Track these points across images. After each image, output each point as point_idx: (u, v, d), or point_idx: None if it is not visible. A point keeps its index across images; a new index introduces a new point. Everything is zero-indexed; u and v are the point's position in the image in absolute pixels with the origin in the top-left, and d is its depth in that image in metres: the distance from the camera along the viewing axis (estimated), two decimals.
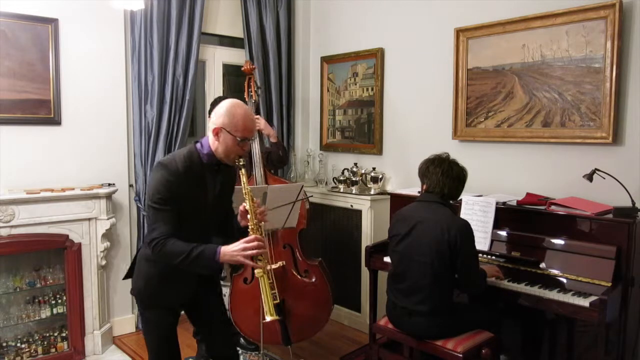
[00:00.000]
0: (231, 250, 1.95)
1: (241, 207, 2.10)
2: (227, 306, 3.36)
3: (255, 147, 3.29)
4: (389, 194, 3.54)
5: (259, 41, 4.22)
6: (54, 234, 3.26)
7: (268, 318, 1.92)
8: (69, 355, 3.37)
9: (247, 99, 3.45)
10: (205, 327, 2.33)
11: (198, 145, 2.11)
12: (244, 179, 2.07)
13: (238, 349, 3.51)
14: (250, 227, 2.03)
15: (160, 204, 1.98)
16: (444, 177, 2.50)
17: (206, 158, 2.09)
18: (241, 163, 2.07)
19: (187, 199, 2.02)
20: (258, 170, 3.26)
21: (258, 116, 3.41)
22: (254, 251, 1.94)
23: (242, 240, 1.96)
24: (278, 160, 3.50)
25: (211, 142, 2.08)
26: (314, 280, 3.23)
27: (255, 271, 1.97)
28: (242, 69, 3.56)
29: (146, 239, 2.04)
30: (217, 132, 2.04)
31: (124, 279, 2.31)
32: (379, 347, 2.84)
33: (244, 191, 2.05)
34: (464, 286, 2.56)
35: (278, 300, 2.00)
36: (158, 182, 2.00)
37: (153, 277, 2.13)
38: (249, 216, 2.05)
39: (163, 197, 1.98)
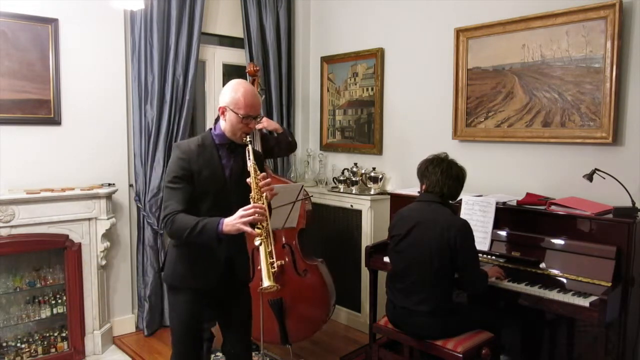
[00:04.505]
0: (232, 219, 2.00)
1: (247, 180, 2.13)
2: None
3: (257, 148, 3.30)
4: (389, 194, 3.54)
5: (259, 41, 4.22)
6: (54, 234, 3.26)
7: (265, 283, 1.94)
8: (69, 355, 3.37)
9: None
10: (224, 324, 2.37)
11: (213, 128, 2.24)
12: (250, 153, 2.13)
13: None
14: (251, 196, 2.06)
15: (173, 182, 2.10)
16: (443, 177, 2.50)
17: (218, 138, 2.20)
18: (248, 139, 2.16)
19: (201, 177, 2.12)
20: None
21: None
22: (251, 217, 1.97)
23: (241, 209, 2.01)
24: (288, 147, 3.52)
25: (221, 122, 2.20)
26: (312, 280, 3.23)
27: (255, 239, 2.00)
28: (247, 70, 3.56)
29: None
30: (223, 112, 2.16)
31: (158, 272, 2.36)
32: (379, 347, 2.84)
33: (248, 165, 2.12)
34: (464, 286, 2.56)
35: (276, 269, 2.01)
36: (172, 162, 2.14)
37: (178, 259, 2.20)
38: (252, 187, 2.09)
39: (176, 175, 2.10)
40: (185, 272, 2.19)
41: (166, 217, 2.08)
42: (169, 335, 2.36)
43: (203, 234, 2.01)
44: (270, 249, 2.01)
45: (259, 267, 3.01)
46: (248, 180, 2.10)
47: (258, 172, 2.12)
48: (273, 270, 1.98)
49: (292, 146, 3.57)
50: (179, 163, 2.11)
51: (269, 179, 2.13)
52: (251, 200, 2.05)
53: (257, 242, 1.99)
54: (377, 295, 3.18)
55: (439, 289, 2.45)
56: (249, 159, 2.12)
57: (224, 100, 2.15)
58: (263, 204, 2.05)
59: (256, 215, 1.98)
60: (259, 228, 2.00)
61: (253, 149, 2.17)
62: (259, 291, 2.01)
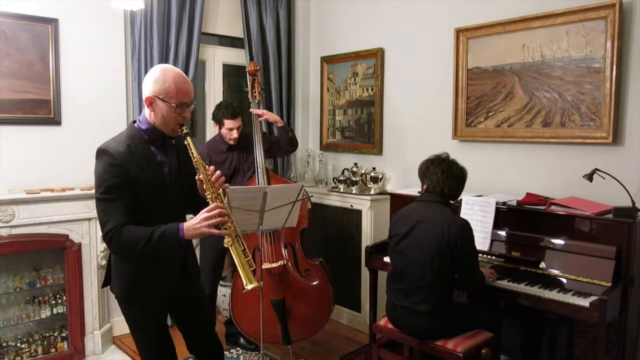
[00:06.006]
0: (193, 224, 1.84)
1: (196, 178, 1.98)
2: (228, 306, 3.36)
3: (258, 147, 3.30)
4: (389, 194, 3.54)
5: (259, 41, 4.22)
6: (54, 234, 3.26)
7: (249, 286, 1.82)
8: (69, 355, 3.37)
9: (251, 100, 3.46)
10: (187, 325, 2.24)
11: (136, 122, 2.01)
12: (191, 147, 1.93)
13: (239, 349, 3.53)
14: (208, 196, 1.91)
15: (108, 193, 1.85)
16: (444, 176, 2.51)
17: (147, 133, 1.97)
18: (185, 131, 1.94)
19: (140, 181, 1.89)
20: (261, 170, 3.26)
21: (260, 110, 3.43)
22: (216, 219, 1.83)
23: (202, 211, 1.85)
24: (288, 143, 3.48)
25: (147, 115, 1.96)
26: (314, 280, 3.23)
27: (224, 240, 1.86)
28: (247, 70, 3.56)
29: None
30: (150, 102, 1.93)
31: (102, 287, 2.21)
32: (379, 347, 2.84)
33: (193, 161, 1.93)
34: (464, 286, 2.56)
35: (254, 267, 1.88)
36: (102, 170, 1.88)
37: (132, 274, 2.01)
38: (205, 186, 1.93)
39: (111, 185, 1.85)
40: (142, 283, 2.00)
41: (110, 234, 1.83)
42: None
43: (161, 244, 1.83)
44: (243, 248, 1.88)
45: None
46: (198, 177, 1.94)
47: (206, 167, 1.95)
48: (252, 268, 1.86)
49: (293, 143, 3.52)
50: (113, 171, 1.85)
51: (219, 172, 1.96)
52: (209, 200, 1.90)
53: (227, 244, 1.86)
54: (377, 295, 3.18)
55: (439, 288, 2.45)
56: (192, 153, 1.93)
57: (151, 89, 1.91)
58: (223, 202, 1.91)
59: (220, 216, 1.84)
60: (225, 229, 1.86)
61: (193, 140, 1.97)
62: (243, 293, 1.91)
